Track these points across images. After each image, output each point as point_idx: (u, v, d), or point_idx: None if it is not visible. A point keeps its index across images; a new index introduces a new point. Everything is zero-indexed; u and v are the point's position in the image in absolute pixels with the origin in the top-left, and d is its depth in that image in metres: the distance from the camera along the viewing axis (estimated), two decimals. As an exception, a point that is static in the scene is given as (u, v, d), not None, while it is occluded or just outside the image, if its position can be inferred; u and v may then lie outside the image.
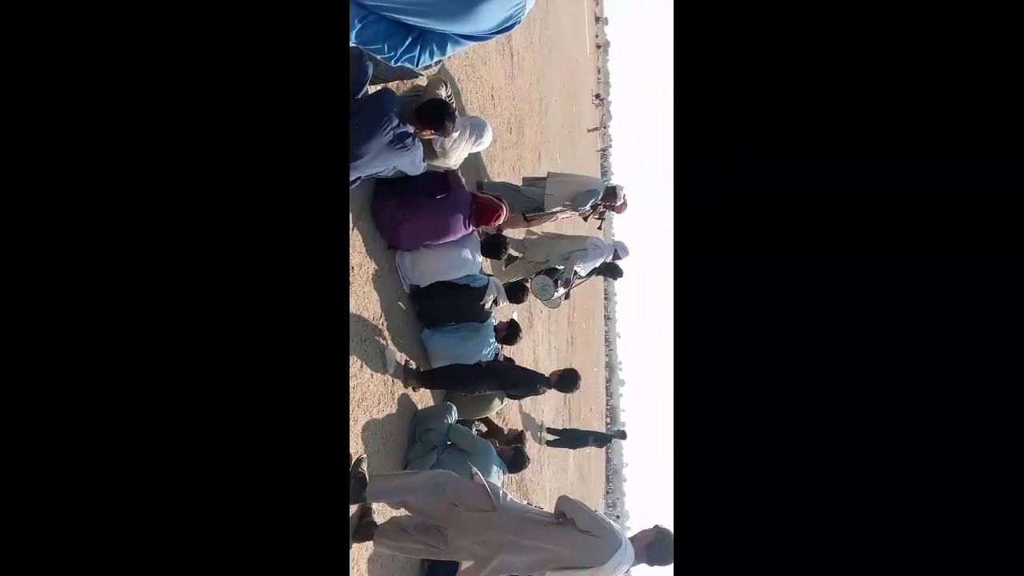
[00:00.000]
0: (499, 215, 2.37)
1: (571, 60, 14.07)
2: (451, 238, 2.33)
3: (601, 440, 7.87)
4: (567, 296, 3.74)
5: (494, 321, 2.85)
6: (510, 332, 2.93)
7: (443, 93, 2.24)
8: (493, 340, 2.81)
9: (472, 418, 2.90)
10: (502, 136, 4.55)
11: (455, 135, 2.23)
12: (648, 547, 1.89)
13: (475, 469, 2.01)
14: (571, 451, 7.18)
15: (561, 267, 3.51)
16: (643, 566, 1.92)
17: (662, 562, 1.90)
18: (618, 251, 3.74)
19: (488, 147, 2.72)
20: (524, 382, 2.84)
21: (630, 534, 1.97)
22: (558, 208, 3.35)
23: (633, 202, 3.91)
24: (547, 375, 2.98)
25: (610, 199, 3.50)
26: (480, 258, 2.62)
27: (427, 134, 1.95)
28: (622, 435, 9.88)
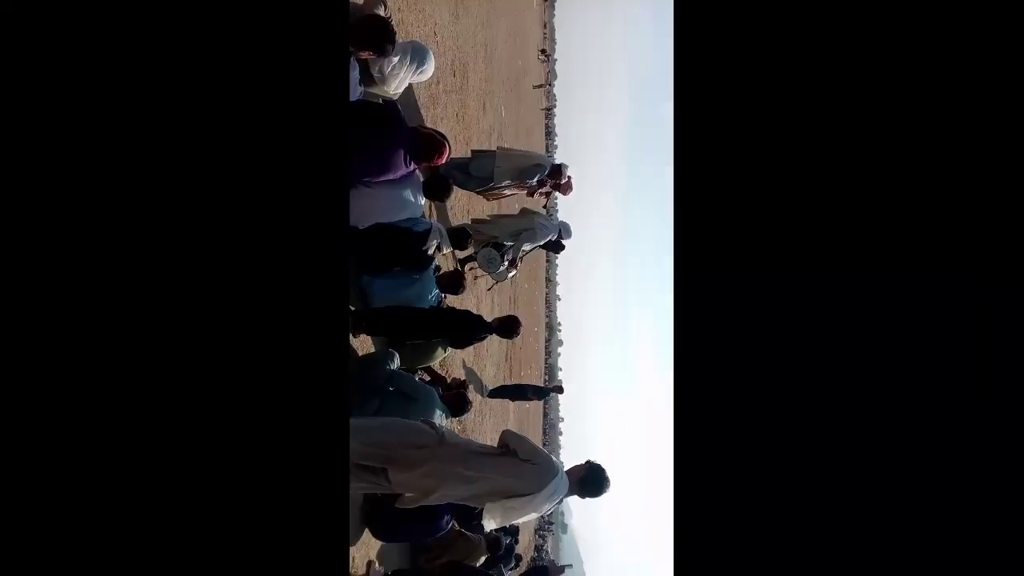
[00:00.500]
0: (443, 152, 2.26)
1: (517, 9, 13.53)
2: (391, 176, 2.20)
3: (540, 393, 8.21)
4: (514, 271, 3.94)
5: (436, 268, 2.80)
6: (453, 280, 2.90)
7: (382, 11, 2.05)
8: (436, 288, 2.77)
9: (415, 367, 2.88)
10: (445, 78, 4.32)
11: (395, 60, 2.07)
12: (580, 480, 2.02)
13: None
14: (511, 403, 7.44)
15: (510, 243, 3.61)
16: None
17: (592, 494, 2.04)
18: (562, 232, 3.94)
19: (429, 79, 2.56)
20: (467, 327, 2.85)
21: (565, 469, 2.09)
22: (506, 182, 3.45)
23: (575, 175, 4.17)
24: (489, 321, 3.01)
25: (555, 176, 3.66)
26: (423, 200, 2.52)
27: (364, 54, 1.78)
28: (559, 390, 10.36)
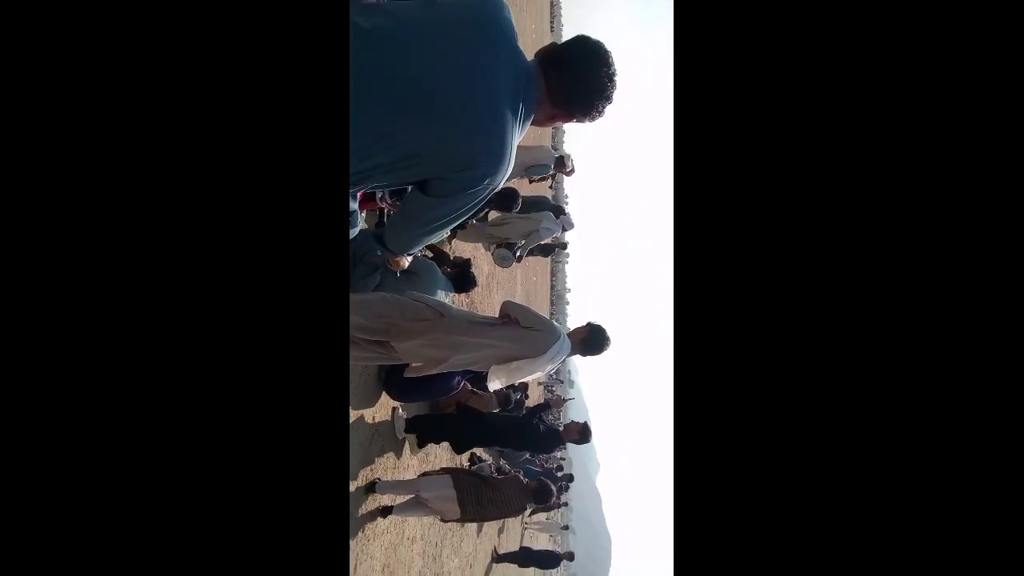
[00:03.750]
0: None
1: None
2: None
3: (546, 251, 8.28)
4: (518, 261, 4.66)
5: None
6: (463, 276, 2.72)
7: None
8: (443, 285, 2.62)
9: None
10: None
11: None
12: (582, 341, 2.08)
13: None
14: (518, 275, 7.55)
15: (521, 242, 4.13)
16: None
17: (594, 352, 2.12)
18: (564, 226, 4.35)
19: None
20: None
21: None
22: (515, 177, 3.90)
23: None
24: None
25: (560, 168, 4.03)
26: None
27: None
28: (563, 246, 10.47)
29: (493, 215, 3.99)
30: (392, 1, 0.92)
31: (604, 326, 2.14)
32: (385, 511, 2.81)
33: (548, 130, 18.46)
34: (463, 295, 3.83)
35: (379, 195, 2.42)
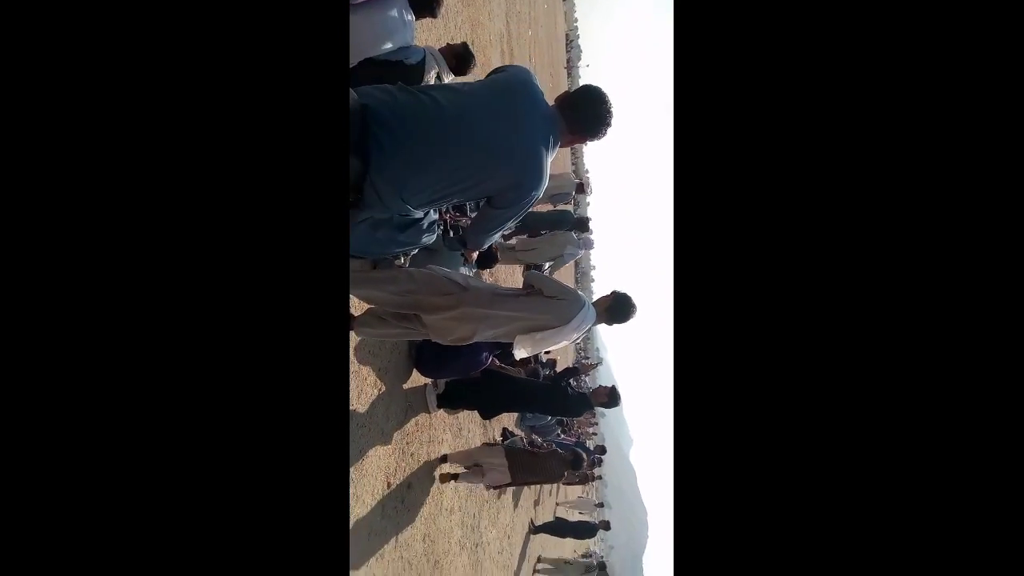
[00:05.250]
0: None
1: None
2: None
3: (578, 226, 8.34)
4: None
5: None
6: (487, 255, 2.71)
7: None
8: (463, 263, 2.61)
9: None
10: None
11: None
12: (608, 309, 2.06)
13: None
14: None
15: (549, 264, 4.76)
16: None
17: (619, 320, 2.10)
18: (585, 246, 4.94)
19: None
20: None
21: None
22: (542, 204, 4.50)
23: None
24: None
25: (579, 192, 5.05)
26: (411, 18, 2.10)
27: None
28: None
29: (519, 239, 4.72)
30: (457, 83, 1.47)
31: (629, 294, 2.11)
32: (451, 477, 3.33)
33: (569, 155, 23.06)
34: (486, 272, 3.84)
35: (444, 209, 2.60)
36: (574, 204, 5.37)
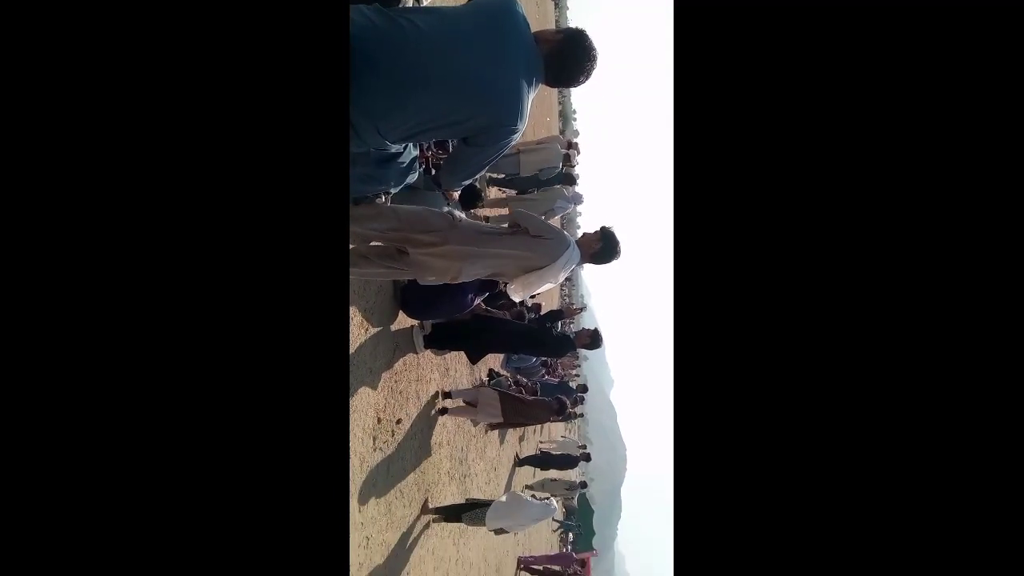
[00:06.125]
0: None
1: None
2: None
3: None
4: None
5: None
6: (471, 193, 2.58)
7: None
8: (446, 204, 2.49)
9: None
10: None
11: None
12: (592, 249, 2.06)
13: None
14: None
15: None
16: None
17: (605, 260, 2.11)
18: (575, 201, 4.91)
19: None
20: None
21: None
22: (528, 174, 4.44)
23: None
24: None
25: (567, 163, 4.69)
26: None
27: None
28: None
29: (511, 192, 4.78)
30: (435, 6, 1.28)
31: (614, 231, 2.11)
32: (443, 411, 3.72)
33: (557, 124, 21.38)
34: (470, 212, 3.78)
35: (425, 146, 2.50)
36: (563, 169, 5.19)
